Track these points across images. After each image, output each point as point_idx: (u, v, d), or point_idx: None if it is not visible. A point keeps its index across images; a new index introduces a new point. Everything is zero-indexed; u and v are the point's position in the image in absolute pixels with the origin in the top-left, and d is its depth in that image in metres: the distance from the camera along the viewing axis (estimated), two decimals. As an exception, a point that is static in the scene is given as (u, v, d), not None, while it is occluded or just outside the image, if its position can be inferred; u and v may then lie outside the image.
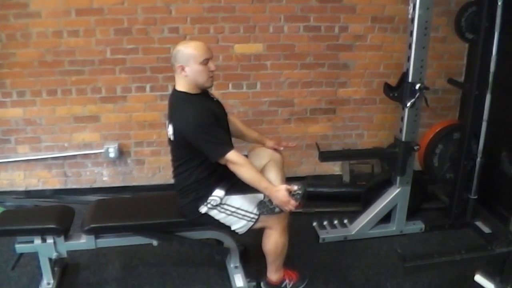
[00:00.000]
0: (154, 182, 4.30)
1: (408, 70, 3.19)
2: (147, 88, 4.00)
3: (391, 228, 3.64)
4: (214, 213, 2.68)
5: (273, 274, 2.94)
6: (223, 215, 2.68)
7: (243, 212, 2.67)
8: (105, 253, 3.30)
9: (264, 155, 2.95)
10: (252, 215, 2.67)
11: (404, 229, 3.66)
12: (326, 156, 3.66)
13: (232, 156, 2.51)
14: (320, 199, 4.06)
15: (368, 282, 3.14)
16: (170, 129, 2.63)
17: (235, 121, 3.03)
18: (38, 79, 3.87)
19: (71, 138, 4.09)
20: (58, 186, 4.23)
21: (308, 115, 4.29)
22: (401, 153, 3.40)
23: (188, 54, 2.53)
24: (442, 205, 4.01)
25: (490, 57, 3.33)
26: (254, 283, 3.02)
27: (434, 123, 3.91)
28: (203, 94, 2.67)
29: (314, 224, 3.69)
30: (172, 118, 2.63)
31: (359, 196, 3.88)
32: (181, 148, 2.64)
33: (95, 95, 3.97)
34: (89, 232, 2.77)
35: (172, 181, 2.82)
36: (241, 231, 2.72)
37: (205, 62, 2.54)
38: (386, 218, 3.62)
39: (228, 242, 2.99)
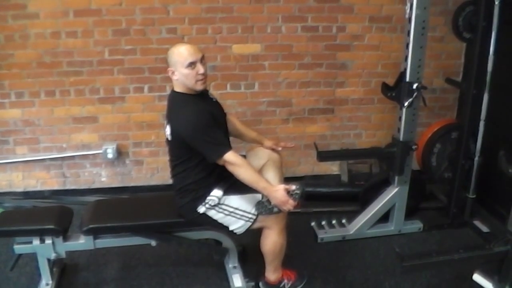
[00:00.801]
0: (152, 183, 4.30)
1: (405, 69, 3.19)
2: (145, 89, 4.00)
3: (390, 228, 3.65)
4: (212, 213, 2.69)
5: (271, 274, 2.94)
6: (221, 215, 2.68)
7: (241, 212, 2.67)
8: (103, 254, 3.30)
9: (263, 155, 2.96)
10: (250, 215, 2.67)
11: (403, 228, 3.66)
12: (324, 156, 3.66)
13: (230, 157, 2.51)
14: (319, 199, 4.07)
15: (367, 282, 3.14)
16: (168, 130, 2.63)
17: (234, 121, 3.03)
18: (37, 80, 3.87)
19: (69, 139, 4.09)
20: (56, 187, 4.23)
21: (306, 115, 4.29)
22: (399, 152, 3.40)
23: (174, 58, 2.55)
24: (440, 204, 4.02)
25: (488, 57, 3.33)
26: (252, 283, 3.02)
27: (432, 123, 3.92)
28: (201, 95, 2.67)
29: (313, 224, 3.69)
30: (170, 119, 2.63)
31: (357, 195, 3.88)
32: (179, 149, 2.64)
33: (93, 96, 3.97)
34: (87, 232, 2.77)
35: (170, 181, 2.82)
36: (239, 231, 2.73)
37: (191, 65, 2.52)
38: (384, 217, 3.62)
39: (227, 242, 2.99)
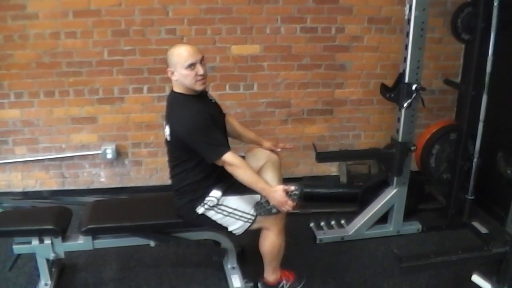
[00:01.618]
0: (151, 183, 4.30)
1: (404, 71, 3.19)
2: (145, 89, 4.00)
3: (388, 229, 3.65)
4: (211, 214, 2.69)
5: (270, 275, 2.94)
6: (220, 216, 2.69)
7: (240, 213, 2.68)
8: (102, 254, 3.30)
9: (261, 156, 2.96)
10: (249, 216, 2.67)
11: (401, 229, 3.66)
12: (323, 157, 3.67)
13: (229, 158, 2.51)
14: (317, 199, 4.07)
15: (365, 283, 3.14)
16: (167, 130, 2.63)
17: (233, 122, 3.03)
18: (36, 80, 3.87)
19: (68, 139, 4.09)
20: (55, 187, 4.23)
21: (305, 116, 4.30)
22: (398, 153, 3.41)
23: (174, 59, 2.55)
24: (439, 205, 4.02)
25: (487, 58, 3.34)
26: (251, 284, 3.02)
27: (430, 124, 3.93)
28: (200, 96, 2.67)
29: (311, 224, 3.69)
30: (169, 119, 2.63)
31: (356, 196, 3.88)
32: (178, 149, 2.64)
33: (92, 97, 3.97)
34: (86, 233, 2.77)
35: (169, 182, 2.82)
36: (238, 232, 2.73)
37: (190, 66, 2.52)
38: (383, 218, 3.62)
39: (226, 243, 2.99)
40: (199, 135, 2.50)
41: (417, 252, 3.43)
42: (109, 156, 4.09)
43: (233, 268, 3.08)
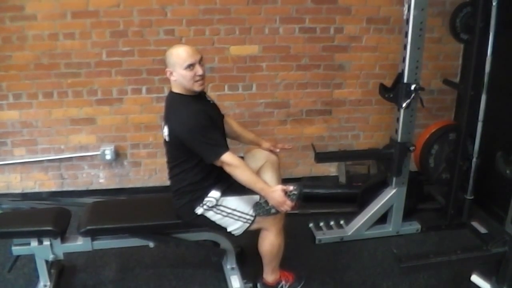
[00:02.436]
0: (150, 184, 4.30)
1: (403, 71, 3.20)
2: (143, 90, 4.00)
3: (387, 229, 3.65)
4: (210, 215, 2.69)
5: (269, 275, 2.93)
6: (219, 216, 2.68)
7: (239, 214, 2.68)
8: (101, 255, 3.30)
9: (260, 157, 2.96)
10: (248, 217, 2.67)
11: (400, 229, 3.66)
12: (322, 157, 3.66)
13: (228, 158, 2.51)
14: (316, 200, 4.07)
15: (365, 283, 3.14)
16: (165, 130, 2.63)
17: (231, 123, 3.03)
18: (34, 81, 3.86)
19: (67, 141, 4.09)
20: (54, 188, 4.23)
21: (304, 117, 4.29)
22: (397, 154, 3.41)
23: (173, 60, 2.55)
24: (438, 205, 4.02)
25: (485, 58, 3.34)
26: (250, 285, 3.02)
27: (429, 124, 3.92)
28: (199, 96, 2.67)
29: (311, 225, 3.69)
30: (167, 120, 2.63)
31: (355, 197, 3.88)
32: (177, 150, 2.64)
33: (91, 98, 3.97)
34: (85, 234, 2.76)
35: (168, 183, 2.82)
36: (237, 232, 2.72)
37: (189, 67, 2.53)
38: (382, 219, 3.62)
39: (225, 243, 2.99)
40: (198, 135, 2.50)
41: (416, 252, 3.43)
42: (108, 157, 4.09)
43: (233, 268, 3.08)
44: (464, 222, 3.76)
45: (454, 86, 3.98)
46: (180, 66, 2.52)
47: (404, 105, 3.24)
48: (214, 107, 2.81)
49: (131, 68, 3.92)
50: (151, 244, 2.88)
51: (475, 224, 3.73)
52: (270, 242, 2.77)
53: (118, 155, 4.17)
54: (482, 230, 3.66)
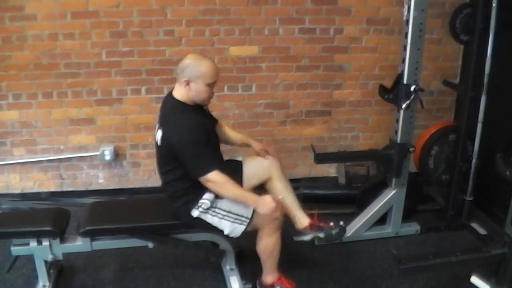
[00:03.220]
0: (149, 185, 4.29)
1: (403, 72, 3.20)
2: (143, 91, 4.00)
3: (387, 230, 3.65)
4: (206, 217, 2.69)
5: (267, 276, 2.93)
6: (216, 219, 2.68)
7: (234, 216, 2.68)
8: (100, 256, 3.29)
9: (262, 171, 2.96)
10: (243, 218, 2.68)
11: (400, 230, 3.66)
12: (321, 158, 3.66)
13: (214, 176, 2.53)
14: (316, 201, 4.06)
15: (364, 284, 3.14)
16: (159, 134, 2.61)
17: (223, 127, 3.04)
18: (34, 81, 3.86)
19: (66, 141, 4.08)
20: (53, 189, 4.22)
21: (304, 117, 4.29)
22: (396, 155, 3.41)
23: (200, 72, 2.53)
24: (438, 206, 4.02)
25: (485, 59, 3.34)
26: (250, 285, 3.02)
27: (429, 125, 3.92)
28: (198, 106, 2.68)
29: (310, 225, 3.68)
30: (163, 124, 2.62)
31: (354, 198, 3.88)
32: (166, 156, 2.64)
33: (90, 98, 3.97)
34: (84, 234, 2.76)
35: (167, 183, 2.82)
36: (235, 234, 2.72)
37: (212, 84, 2.55)
38: (381, 220, 3.62)
39: (224, 244, 2.99)
40: (191, 149, 2.51)
41: (416, 253, 3.44)
42: (108, 157, 4.08)
43: (232, 269, 3.08)
44: (463, 223, 3.76)
45: (454, 87, 3.98)
46: (203, 81, 2.53)
47: (403, 106, 3.24)
48: (209, 116, 2.84)
49: (131, 68, 3.92)
50: (150, 245, 2.88)
51: (474, 225, 3.73)
52: (264, 241, 2.78)
53: (118, 155, 4.17)
54: (482, 231, 3.67)
